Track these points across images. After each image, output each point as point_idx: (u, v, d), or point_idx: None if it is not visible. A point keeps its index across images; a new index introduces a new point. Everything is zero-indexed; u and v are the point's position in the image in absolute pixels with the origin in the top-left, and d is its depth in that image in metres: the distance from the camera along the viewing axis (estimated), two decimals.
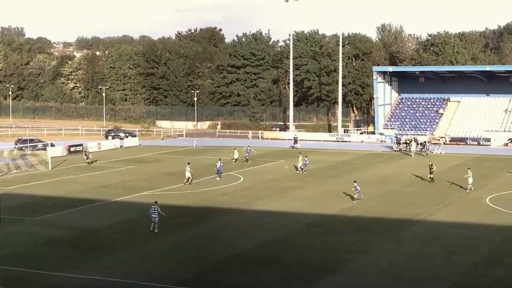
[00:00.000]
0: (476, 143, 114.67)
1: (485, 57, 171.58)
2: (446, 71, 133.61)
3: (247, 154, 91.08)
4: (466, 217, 56.59)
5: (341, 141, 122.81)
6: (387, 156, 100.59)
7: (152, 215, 50.07)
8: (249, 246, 47.30)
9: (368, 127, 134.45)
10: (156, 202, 51.65)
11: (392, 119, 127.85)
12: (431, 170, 73.43)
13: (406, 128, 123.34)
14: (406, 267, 42.20)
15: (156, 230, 49.81)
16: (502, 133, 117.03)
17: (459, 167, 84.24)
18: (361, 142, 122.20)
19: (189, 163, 74.87)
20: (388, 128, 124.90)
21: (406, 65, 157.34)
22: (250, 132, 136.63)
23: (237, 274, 40.67)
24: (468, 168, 68.99)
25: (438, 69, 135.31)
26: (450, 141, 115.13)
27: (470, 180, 67.10)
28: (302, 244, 47.87)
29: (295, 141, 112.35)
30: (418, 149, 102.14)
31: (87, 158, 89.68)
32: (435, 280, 39.31)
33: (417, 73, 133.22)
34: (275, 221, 55.29)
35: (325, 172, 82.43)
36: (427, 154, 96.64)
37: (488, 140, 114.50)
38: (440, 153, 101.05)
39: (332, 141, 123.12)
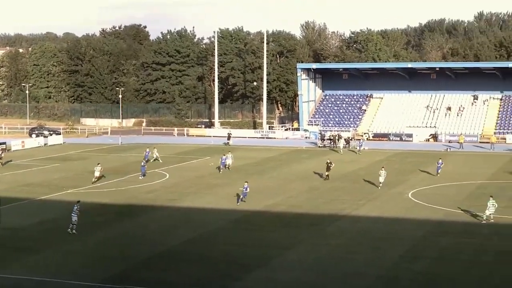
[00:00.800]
0: (398, 139, 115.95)
1: (406, 54, 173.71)
2: (369, 68, 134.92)
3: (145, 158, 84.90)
4: (389, 212, 57.08)
5: (266, 138, 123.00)
6: (311, 152, 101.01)
7: (72, 215, 48.85)
8: (174, 243, 46.89)
9: (292, 123, 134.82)
10: (78, 201, 50.68)
11: (316, 116, 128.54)
12: (329, 168, 72.99)
13: (330, 125, 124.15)
14: (331, 262, 42.30)
15: (74, 231, 48.65)
16: (424, 129, 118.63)
17: (382, 162, 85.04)
18: (286, 138, 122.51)
19: (99, 163, 73.80)
20: (312, 125, 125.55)
21: (330, 62, 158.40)
22: (176, 129, 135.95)
23: (162, 272, 40.21)
24: (383, 167, 69.07)
25: (361, 66, 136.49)
26: (373, 137, 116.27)
27: (381, 179, 66.97)
28: (227, 241, 47.64)
29: (229, 137, 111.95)
30: (342, 145, 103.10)
31: (0, 159, 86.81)
32: (359, 275, 39.49)
33: (340, 70, 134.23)
34: (200, 218, 54.97)
35: (250, 168, 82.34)
36: (359, 150, 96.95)
37: (410, 136, 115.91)
38: (364, 149, 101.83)
39: (257, 137, 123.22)
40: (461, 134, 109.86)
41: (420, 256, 43.53)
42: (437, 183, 70.63)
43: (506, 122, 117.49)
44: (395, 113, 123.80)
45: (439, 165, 73.66)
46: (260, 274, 39.90)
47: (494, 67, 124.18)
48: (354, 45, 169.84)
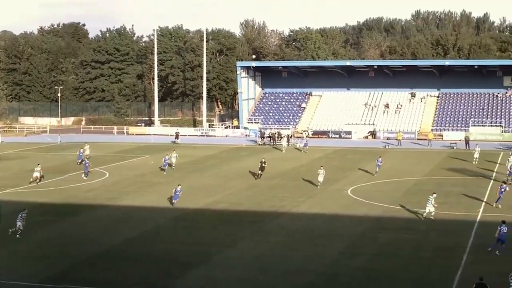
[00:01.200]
0: (337, 136, 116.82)
1: (345, 52, 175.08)
2: (308, 66, 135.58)
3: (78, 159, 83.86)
4: (329, 209, 57.40)
5: (206, 136, 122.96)
6: (251, 150, 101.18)
7: (17, 221, 47.83)
8: (115, 242, 46.51)
9: (232, 121, 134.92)
10: (25, 209, 49.54)
11: (256, 114, 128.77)
12: (262, 167, 72.09)
13: (270, 122, 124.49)
14: (272, 259, 42.34)
15: (18, 236, 47.65)
16: (362, 126, 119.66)
17: (321, 160, 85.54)
18: (226, 136, 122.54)
19: (39, 164, 72.71)
20: (252, 123, 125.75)
21: (269, 60, 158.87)
22: (115, 128, 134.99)
23: (102, 271, 39.83)
24: (321, 166, 68.75)
25: (300, 64, 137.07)
26: (312, 134, 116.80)
27: (320, 178, 66.24)
28: (168, 239, 47.43)
29: (177, 136, 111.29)
30: (281, 143, 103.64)
31: None
32: (300, 272, 39.61)
33: (280, 68, 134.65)
34: (141, 217, 54.62)
35: (190, 166, 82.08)
36: (304, 148, 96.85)
37: (349, 133, 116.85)
38: (303, 146, 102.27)
39: (197, 135, 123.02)
40: (399, 131, 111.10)
41: (360, 253, 43.86)
42: (376, 180, 71.26)
43: (443, 119, 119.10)
44: (334, 110, 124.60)
45: (378, 163, 74.19)
46: (200, 272, 39.78)
47: (431, 65, 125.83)
48: (293, 44, 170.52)
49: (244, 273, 39.54)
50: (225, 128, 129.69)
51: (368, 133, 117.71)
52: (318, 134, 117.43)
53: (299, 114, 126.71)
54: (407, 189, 66.04)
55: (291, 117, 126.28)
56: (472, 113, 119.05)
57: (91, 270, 39.85)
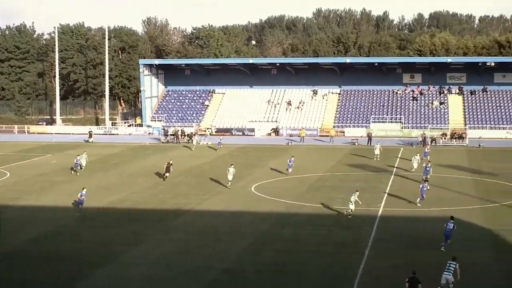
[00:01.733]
0: (241, 133, 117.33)
1: (248, 50, 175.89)
2: (211, 63, 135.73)
3: None
4: (233, 206, 57.70)
5: (109, 134, 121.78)
6: (155, 148, 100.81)
7: None
8: (19, 242, 45.79)
9: (135, 119, 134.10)
10: None
11: (160, 112, 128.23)
12: (168, 169, 70.83)
13: (173, 120, 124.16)
14: (177, 257, 42.43)
15: None
16: (265, 124, 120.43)
17: (225, 157, 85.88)
18: (129, 134, 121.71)
19: None
20: (155, 121, 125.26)
21: (172, 58, 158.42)
22: (16, 126, 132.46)
23: (6, 271, 39.12)
24: (232, 164, 68.31)
25: (203, 62, 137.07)
26: (216, 132, 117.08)
27: (230, 177, 65.44)
28: (73, 239, 46.93)
29: (90, 135, 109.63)
30: (185, 141, 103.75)
31: None
32: (205, 269, 39.76)
33: (183, 65, 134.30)
34: (45, 216, 53.90)
35: (94, 165, 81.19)
36: (219, 146, 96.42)
37: (252, 130, 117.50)
38: (207, 144, 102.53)
39: (100, 134, 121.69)
40: (302, 128, 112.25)
41: (264, 249, 44.25)
42: (279, 177, 71.94)
43: (345, 115, 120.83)
44: (237, 108, 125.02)
45: (290, 163, 73.77)
46: (106, 270, 39.55)
47: (332, 63, 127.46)
48: (196, 41, 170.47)
49: (150, 271, 39.46)
50: (128, 126, 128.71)
51: (271, 130, 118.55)
52: (221, 131, 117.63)
53: (203, 112, 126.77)
54: (310, 185, 66.85)
55: (194, 114, 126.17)
56: (373, 109, 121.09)
57: None
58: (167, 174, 70.71)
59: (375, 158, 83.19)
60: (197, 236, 47.56)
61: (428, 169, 67.08)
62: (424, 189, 56.61)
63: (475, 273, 38.85)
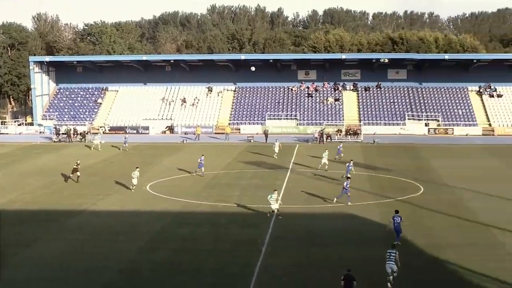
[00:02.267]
0: (135, 131, 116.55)
1: (141, 46, 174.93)
2: (104, 60, 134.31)
3: None
4: (129, 205, 57.36)
5: None
6: (47, 147, 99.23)
7: None
8: None
9: (26, 118, 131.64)
10: None
11: (51, 110, 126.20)
12: (75, 170, 68.38)
13: (65, 119, 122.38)
14: (72, 257, 41.93)
15: None
16: (160, 121, 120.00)
17: (120, 156, 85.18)
18: (20, 133, 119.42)
19: None
20: (47, 119, 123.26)
21: (64, 55, 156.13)
22: None
23: None
24: (137, 167, 65.52)
25: (95, 59, 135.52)
26: (109, 130, 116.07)
27: (135, 181, 63.15)
28: None
29: None
30: (78, 139, 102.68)
31: None
32: (102, 269, 39.45)
33: (74, 62, 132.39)
34: None
35: None
36: (125, 145, 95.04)
37: (147, 128, 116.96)
38: (100, 142, 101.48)
39: None
40: (198, 125, 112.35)
41: (161, 248, 44.17)
42: (174, 175, 71.84)
43: (240, 113, 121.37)
44: (131, 105, 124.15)
45: (201, 161, 71.27)
46: None
47: (227, 59, 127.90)
48: (88, 38, 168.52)
49: (44, 272, 38.93)
50: (18, 125, 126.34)
51: (166, 128, 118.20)
52: (115, 129, 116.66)
53: (95, 110, 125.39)
54: (206, 183, 66.95)
55: (87, 113, 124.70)
56: (268, 106, 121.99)
57: None
58: (78, 173, 68.26)
59: (274, 156, 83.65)
60: (92, 236, 47.11)
61: (350, 167, 67.65)
62: (347, 186, 56.19)
63: (375, 267, 39.66)
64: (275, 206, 51.37)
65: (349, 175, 63.85)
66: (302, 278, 38.15)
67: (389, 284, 36.01)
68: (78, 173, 68.42)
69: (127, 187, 64.64)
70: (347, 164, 68.47)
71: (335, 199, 56.52)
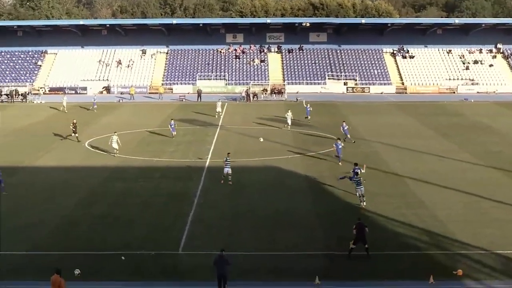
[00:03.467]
0: (74, 92, 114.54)
1: (78, 11, 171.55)
2: (43, 25, 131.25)
3: None
4: (67, 161, 56.33)
5: None
6: None
7: None
8: None
9: None
10: None
11: None
12: (74, 129, 65.85)
13: (7, 80, 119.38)
14: (10, 213, 40.85)
15: None
16: (97, 82, 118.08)
17: (59, 115, 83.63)
18: None
19: None
20: None
21: (4, 20, 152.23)
22: None
23: None
24: (115, 132, 60.21)
25: (35, 23, 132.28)
26: (49, 91, 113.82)
27: (115, 145, 57.70)
28: None
29: None
30: (20, 100, 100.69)
31: None
32: (38, 225, 38.58)
33: (14, 27, 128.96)
34: None
35: None
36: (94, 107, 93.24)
37: (85, 88, 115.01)
38: (40, 102, 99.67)
39: None
40: (132, 86, 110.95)
41: (98, 201, 43.48)
42: (111, 133, 70.70)
43: (172, 73, 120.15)
44: (69, 67, 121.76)
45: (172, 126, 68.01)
46: None
47: (159, 24, 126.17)
48: (28, 3, 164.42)
49: None
50: None
51: (103, 88, 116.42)
52: (54, 90, 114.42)
53: (36, 72, 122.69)
54: (141, 139, 66.17)
55: (28, 74, 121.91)
56: (199, 68, 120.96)
57: None
58: (77, 135, 65.69)
59: (216, 116, 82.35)
60: (31, 192, 46.05)
61: (345, 128, 64.55)
62: (340, 147, 54.34)
63: (298, 216, 39.75)
64: (228, 170, 48.13)
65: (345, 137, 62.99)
66: (230, 228, 37.96)
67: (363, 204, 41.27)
68: (76, 135, 65.92)
69: (66, 144, 63.47)
70: (342, 126, 65.01)
71: (340, 163, 53.98)
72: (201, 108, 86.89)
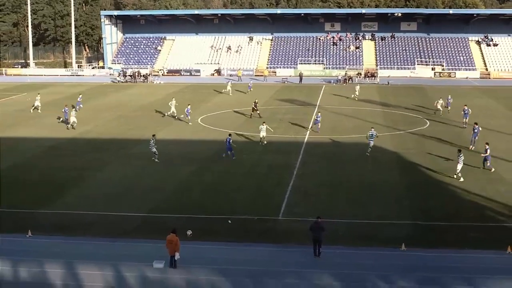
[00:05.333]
0: (188, 74, 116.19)
1: (193, 2, 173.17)
2: (162, 14, 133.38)
3: None
4: (183, 135, 57.42)
5: (76, 75, 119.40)
6: (116, 86, 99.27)
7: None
8: None
9: (98, 62, 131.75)
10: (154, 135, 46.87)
11: (119, 56, 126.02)
12: (255, 107, 65.68)
13: (130, 63, 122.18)
14: (135, 179, 42.18)
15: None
16: (209, 65, 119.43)
17: (177, 94, 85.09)
18: (93, 75, 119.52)
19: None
20: (115, 63, 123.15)
21: (129, 10, 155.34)
22: None
23: None
24: (264, 122, 55.35)
25: (155, 13, 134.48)
26: (167, 72, 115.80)
27: (263, 133, 54.10)
28: (45, 165, 46.23)
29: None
30: (141, 80, 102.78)
31: None
32: (158, 189, 39.65)
33: (138, 16, 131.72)
34: (21, 147, 52.88)
35: (62, 102, 79.56)
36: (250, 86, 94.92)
37: (198, 71, 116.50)
38: (159, 83, 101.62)
39: (67, 75, 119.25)
40: (239, 69, 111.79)
41: (209, 171, 44.25)
42: (220, 110, 71.60)
43: (276, 58, 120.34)
44: (185, 52, 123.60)
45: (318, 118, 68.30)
46: (76, 192, 39.23)
47: (265, 13, 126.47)
48: None
49: (112, 191, 39.22)
50: (92, 68, 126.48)
51: (214, 71, 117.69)
52: (172, 72, 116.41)
53: (156, 56, 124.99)
54: (246, 118, 66.52)
55: (148, 58, 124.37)
56: (300, 53, 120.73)
57: None
58: (258, 112, 65.76)
59: (227, 91, 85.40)
60: (152, 162, 47.23)
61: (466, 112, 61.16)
62: (318, 119, 58.38)
63: (387, 188, 39.54)
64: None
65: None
66: (326, 197, 38.06)
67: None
68: (257, 112, 65.66)
69: (181, 120, 64.62)
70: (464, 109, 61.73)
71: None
72: (301, 89, 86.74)
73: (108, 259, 28.52)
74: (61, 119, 64.49)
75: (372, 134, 48.95)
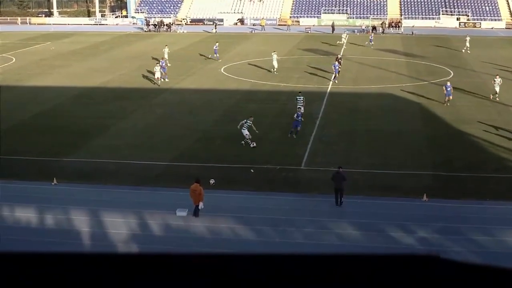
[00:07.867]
0: (211, 23, 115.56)
1: None
2: None
3: None
4: (206, 85, 57.35)
5: (99, 24, 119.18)
6: (139, 36, 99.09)
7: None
8: (24, 117, 45.32)
9: (121, 11, 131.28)
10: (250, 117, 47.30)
11: (142, 5, 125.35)
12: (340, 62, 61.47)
13: (154, 12, 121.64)
14: (158, 128, 42.35)
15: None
16: (232, 14, 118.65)
17: (199, 44, 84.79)
18: (117, 24, 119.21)
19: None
20: (139, 12, 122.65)
21: None
22: (19, 18, 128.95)
23: (14, 143, 38.74)
24: (274, 51, 60.84)
25: None
26: (190, 22, 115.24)
27: (275, 63, 58.56)
28: (70, 114, 46.48)
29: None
30: (165, 30, 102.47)
31: None
32: (181, 137, 39.81)
33: None
34: (46, 95, 53.19)
35: (86, 51, 79.88)
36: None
37: (222, 20, 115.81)
38: (183, 32, 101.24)
39: (91, 24, 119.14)
40: (263, 18, 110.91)
41: (232, 120, 44.12)
42: (244, 60, 71.31)
43: (299, 7, 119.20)
44: (208, 1, 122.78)
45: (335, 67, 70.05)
46: (99, 140, 39.50)
47: None
48: None
49: (136, 140, 39.41)
50: (115, 17, 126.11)
51: (237, 20, 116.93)
52: (195, 21, 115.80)
53: (179, 5, 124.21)
54: (270, 66, 66.14)
55: (172, 7, 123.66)
56: (324, 2, 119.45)
57: (5, 142, 38.68)
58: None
59: (338, 42, 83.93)
60: (175, 110, 47.37)
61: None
62: (336, 67, 57.34)
63: (409, 138, 39.42)
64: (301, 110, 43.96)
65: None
66: (348, 147, 38.03)
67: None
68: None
69: (204, 70, 64.50)
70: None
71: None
72: (327, 39, 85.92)
73: (132, 207, 28.83)
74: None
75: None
